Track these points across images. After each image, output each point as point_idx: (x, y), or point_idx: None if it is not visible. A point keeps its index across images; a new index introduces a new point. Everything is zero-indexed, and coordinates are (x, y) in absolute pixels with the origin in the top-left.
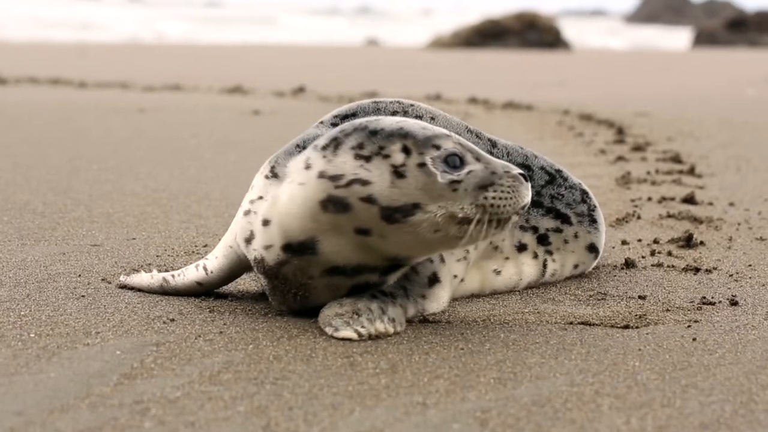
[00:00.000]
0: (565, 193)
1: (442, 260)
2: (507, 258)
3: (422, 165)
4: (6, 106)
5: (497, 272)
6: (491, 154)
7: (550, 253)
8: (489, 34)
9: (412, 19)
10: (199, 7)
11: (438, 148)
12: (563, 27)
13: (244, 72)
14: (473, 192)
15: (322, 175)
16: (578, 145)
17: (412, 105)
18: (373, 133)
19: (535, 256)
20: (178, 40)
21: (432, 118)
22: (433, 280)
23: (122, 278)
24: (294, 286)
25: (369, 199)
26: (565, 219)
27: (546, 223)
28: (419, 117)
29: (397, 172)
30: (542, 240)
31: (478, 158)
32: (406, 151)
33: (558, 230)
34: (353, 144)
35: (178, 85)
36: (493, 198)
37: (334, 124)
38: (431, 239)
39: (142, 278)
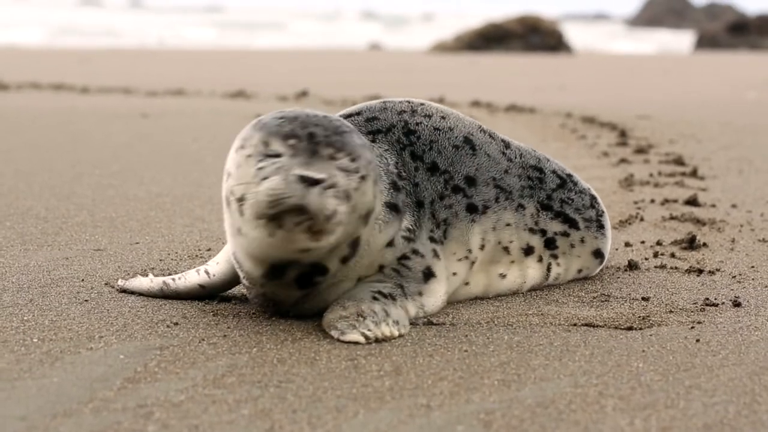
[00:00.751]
0: (574, 197)
1: (436, 255)
2: (513, 262)
3: (249, 156)
4: (8, 111)
5: (502, 276)
6: (503, 155)
7: (555, 257)
8: (492, 38)
9: (414, 23)
10: (203, 12)
11: (266, 145)
12: (565, 31)
13: (246, 77)
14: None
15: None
16: (581, 147)
17: (422, 104)
18: (253, 127)
19: (540, 259)
20: (185, 46)
21: (442, 117)
22: (428, 275)
23: (121, 282)
24: (260, 295)
25: (231, 192)
26: (573, 224)
27: (554, 226)
28: (428, 116)
29: (238, 163)
30: (549, 244)
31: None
32: (254, 145)
33: (565, 234)
34: (240, 137)
35: (181, 90)
36: (242, 190)
37: None
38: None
39: (142, 282)
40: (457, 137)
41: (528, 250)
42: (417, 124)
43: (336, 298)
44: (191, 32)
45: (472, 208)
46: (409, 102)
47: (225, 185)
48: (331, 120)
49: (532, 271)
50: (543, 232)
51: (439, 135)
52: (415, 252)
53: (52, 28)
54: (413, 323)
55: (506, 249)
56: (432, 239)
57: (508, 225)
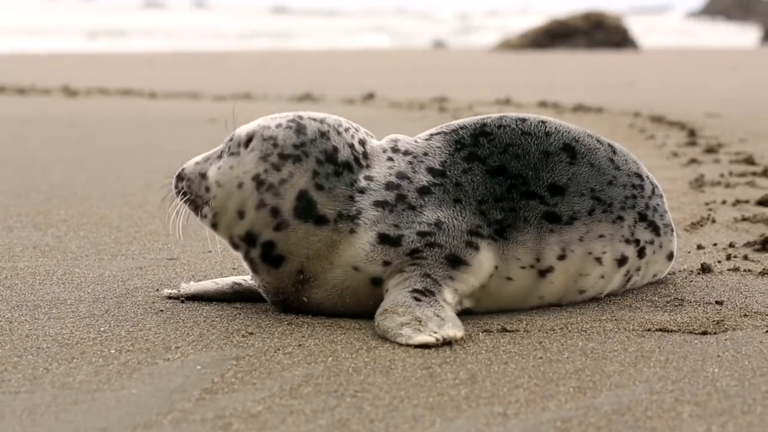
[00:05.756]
0: (659, 203)
1: (472, 246)
2: (603, 275)
3: None
4: (79, 118)
5: (581, 292)
6: (611, 161)
7: (638, 268)
8: (556, 35)
9: (478, 20)
10: (267, 13)
11: None
12: (630, 25)
13: (312, 79)
14: None
15: None
16: (650, 147)
17: (522, 114)
18: None
19: (627, 271)
20: (248, 48)
21: (541, 122)
22: (455, 261)
23: (167, 291)
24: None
25: None
26: (657, 231)
27: (645, 235)
28: (522, 120)
29: None
30: (640, 253)
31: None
32: None
33: (651, 242)
34: None
35: (248, 94)
36: None
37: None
38: None
39: (206, 285)
40: (552, 144)
41: (622, 261)
42: (498, 126)
43: (330, 282)
44: (254, 34)
45: (551, 217)
46: (509, 114)
47: None
48: (285, 129)
49: (614, 283)
50: (637, 242)
51: (525, 139)
52: (430, 245)
53: (115, 32)
54: (488, 331)
55: (598, 260)
56: (475, 233)
57: (601, 237)
